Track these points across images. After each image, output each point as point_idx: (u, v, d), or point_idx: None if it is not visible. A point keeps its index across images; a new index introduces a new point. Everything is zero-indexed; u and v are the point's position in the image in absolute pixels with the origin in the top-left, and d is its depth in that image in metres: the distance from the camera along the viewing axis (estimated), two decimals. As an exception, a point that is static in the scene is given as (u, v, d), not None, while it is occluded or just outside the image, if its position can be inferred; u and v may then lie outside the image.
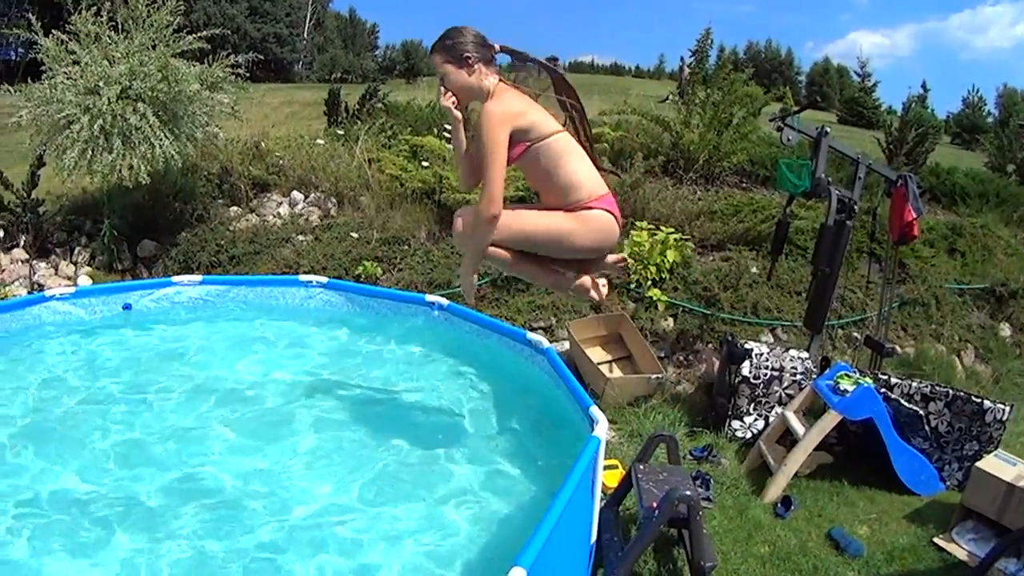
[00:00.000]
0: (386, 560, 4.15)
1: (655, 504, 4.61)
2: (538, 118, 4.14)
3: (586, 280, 4.55)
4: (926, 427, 6.51)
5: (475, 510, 4.56)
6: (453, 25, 4.22)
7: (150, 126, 8.81)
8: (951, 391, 6.52)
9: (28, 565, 4.01)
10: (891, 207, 7.27)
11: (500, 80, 4.23)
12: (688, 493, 4.50)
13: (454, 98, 4.30)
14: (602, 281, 4.64)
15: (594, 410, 4.68)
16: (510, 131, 4.03)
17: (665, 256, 8.71)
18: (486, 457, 4.91)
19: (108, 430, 5.24)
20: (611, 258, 4.61)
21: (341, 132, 12.27)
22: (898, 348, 8.36)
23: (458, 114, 4.38)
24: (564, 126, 4.36)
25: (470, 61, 4.12)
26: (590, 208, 4.23)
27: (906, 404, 6.48)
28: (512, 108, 4.06)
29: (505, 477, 4.92)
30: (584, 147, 4.39)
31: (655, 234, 8.87)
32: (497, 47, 4.25)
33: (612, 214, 4.29)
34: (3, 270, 9.57)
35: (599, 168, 4.36)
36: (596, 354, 7.95)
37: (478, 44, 4.14)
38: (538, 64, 4.37)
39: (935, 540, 5.58)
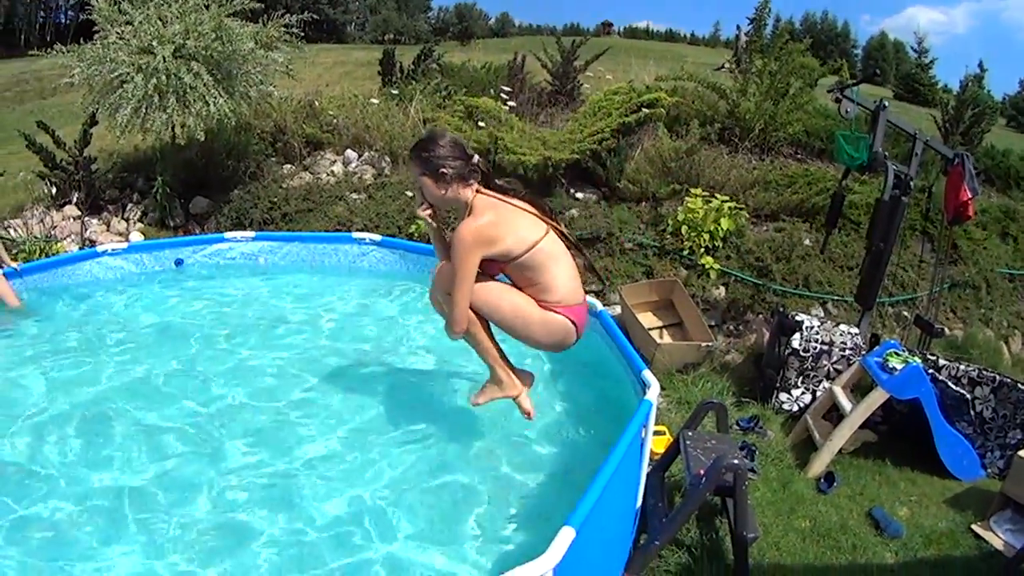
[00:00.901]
0: (435, 511, 4.17)
1: (702, 471, 4.60)
2: (511, 242, 4.18)
3: (523, 394, 4.70)
4: (971, 411, 6.43)
5: (525, 470, 4.64)
6: (432, 131, 4.27)
7: (204, 85, 8.88)
8: (998, 377, 6.42)
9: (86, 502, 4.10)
10: (946, 186, 7.17)
11: (479, 191, 4.25)
12: (735, 462, 4.48)
13: (430, 210, 4.40)
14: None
15: (647, 374, 4.69)
16: (481, 256, 4.11)
17: (719, 224, 8.67)
18: (537, 419, 4.90)
19: (159, 383, 5.31)
20: (526, 405, 4.71)
21: (396, 92, 12.25)
22: (947, 330, 8.23)
23: (434, 224, 4.48)
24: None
25: (446, 177, 4.15)
26: (556, 313, 4.35)
27: (953, 387, 6.41)
28: (485, 235, 4.10)
29: (555, 438, 4.97)
30: (569, 244, 4.48)
31: (709, 201, 8.82)
32: (475, 160, 4.26)
33: (575, 324, 4.43)
34: (55, 227, 9.67)
35: (588, 267, 4.39)
36: (647, 319, 7.96)
37: (455, 158, 4.16)
38: (507, 190, 4.40)
39: (973, 527, 5.54)
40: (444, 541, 3.99)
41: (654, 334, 7.73)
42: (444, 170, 4.13)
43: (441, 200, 4.30)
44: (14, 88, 19.98)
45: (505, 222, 4.19)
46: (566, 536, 3.15)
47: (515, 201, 4.37)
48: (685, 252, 8.71)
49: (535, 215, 4.37)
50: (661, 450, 5.62)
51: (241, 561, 3.78)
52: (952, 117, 12.01)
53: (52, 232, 9.54)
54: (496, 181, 4.43)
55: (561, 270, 4.34)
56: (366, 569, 3.78)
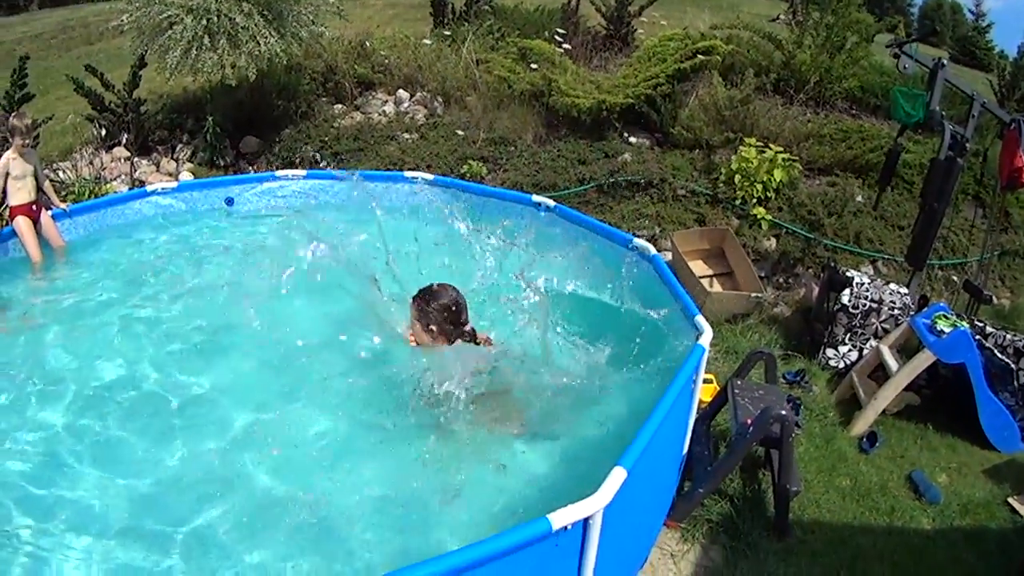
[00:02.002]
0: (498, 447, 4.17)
1: (750, 421, 4.61)
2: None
3: None
4: (1015, 382, 6.35)
5: (576, 410, 4.58)
6: (437, 289, 4.51)
7: (255, 24, 8.87)
8: (1046, 350, 6.33)
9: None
10: (1002, 150, 7.03)
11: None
12: (783, 413, 4.50)
13: (413, 338, 4.67)
14: None
15: (699, 319, 4.69)
16: None
17: (772, 175, 8.60)
18: (588, 359, 4.90)
19: (209, 319, 5.35)
20: None
21: (448, 33, 12.17)
22: (995, 298, 8.11)
23: (413, 345, 4.70)
24: None
25: (432, 331, 4.49)
26: None
27: (999, 356, 6.34)
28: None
29: (605, 380, 4.91)
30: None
31: (763, 151, 8.75)
32: (467, 328, 4.58)
33: None
34: (104, 168, 9.74)
35: None
36: (697, 267, 7.95)
37: (445, 320, 4.47)
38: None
39: (1009, 500, 5.54)
40: (492, 480, 4.04)
41: (704, 282, 7.71)
42: (431, 326, 4.48)
43: (422, 341, 4.60)
44: (60, 36, 19.97)
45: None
46: (618, 476, 3.17)
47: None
48: (737, 201, 8.67)
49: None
50: (708, 399, 5.62)
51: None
52: (1008, 83, 11.72)
53: (101, 173, 9.60)
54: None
55: None
56: (422, 502, 3.88)
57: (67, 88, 10.39)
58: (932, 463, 5.86)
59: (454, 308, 4.46)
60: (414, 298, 4.53)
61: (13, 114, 6.62)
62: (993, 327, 6.49)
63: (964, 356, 5.95)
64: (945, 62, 6.90)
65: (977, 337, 6.17)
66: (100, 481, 4.06)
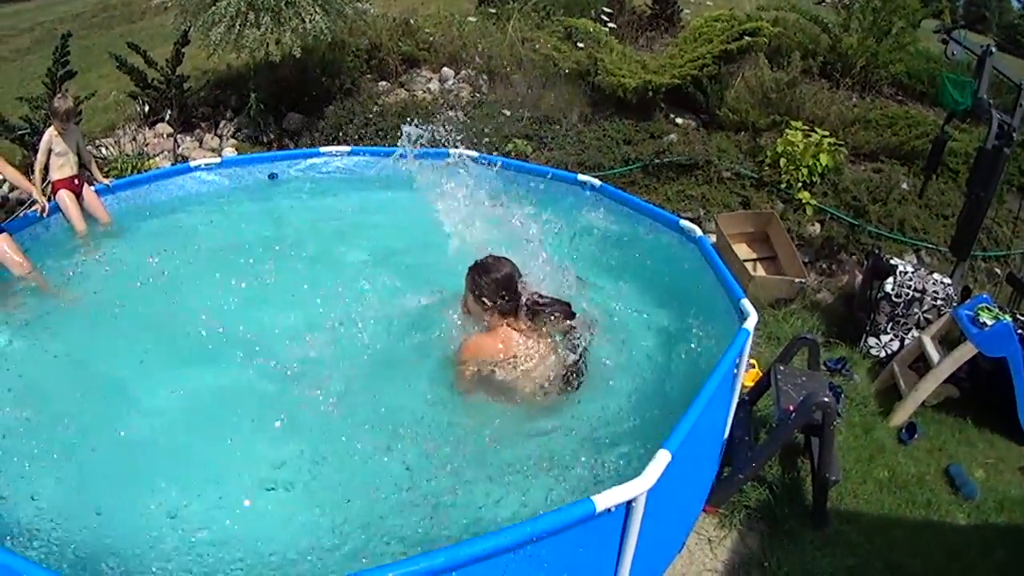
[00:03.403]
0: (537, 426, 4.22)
1: (792, 407, 4.59)
2: (502, 374, 4.46)
3: None
4: (1056, 379, 6.24)
5: (619, 391, 4.57)
6: (492, 262, 4.49)
7: (299, 1, 8.87)
8: (1086, 347, 6.22)
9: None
10: (1049, 142, 6.89)
11: (506, 324, 4.50)
12: (826, 400, 4.47)
13: (466, 308, 4.68)
14: None
15: (745, 302, 4.67)
16: (474, 366, 4.48)
17: (818, 159, 8.56)
18: (631, 340, 4.90)
19: (250, 295, 5.38)
20: None
21: (493, 11, 12.15)
22: (1037, 292, 8.01)
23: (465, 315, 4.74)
24: None
25: (485, 304, 4.46)
26: None
27: (1041, 350, 6.20)
28: (485, 353, 4.46)
29: (647, 362, 4.99)
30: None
31: (809, 135, 8.70)
32: (523, 299, 4.51)
33: None
34: (147, 144, 9.82)
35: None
36: (741, 251, 7.94)
37: (499, 291, 4.44)
38: (558, 311, 4.55)
39: None
40: (537, 463, 4.04)
41: (747, 266, 7.69)
42: (484, 298, 4.46)
43: (473, 314, 4.63)
44: (101, 15, 20.07)
45: (507, 355, 4.48)
46: (662, 459, 3.17)
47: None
48: (783, 185, 8.64)
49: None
50: (750, 384, 5.60)
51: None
52: (1055, 72, 11.54)
53: (144, 149, 9.68)
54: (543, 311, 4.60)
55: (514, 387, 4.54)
56: (471, 485, 3.89)
57: (109, 66, 10.43)
58: (969, 457, 5.83)
59: (507, 282, 4.45)
60: (469, 269, 4.53)
61: (57, 96, 6.70)
62: (1035, 322, 6.41)
63: (1006, 350, 5.89)
64: (994, 49, 6.80)
65: (1019, 331, 6.09)
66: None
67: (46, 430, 4.12)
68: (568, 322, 4.57)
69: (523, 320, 4.50)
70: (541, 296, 4.56)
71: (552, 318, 4.53)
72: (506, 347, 4.44)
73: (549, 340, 4.55)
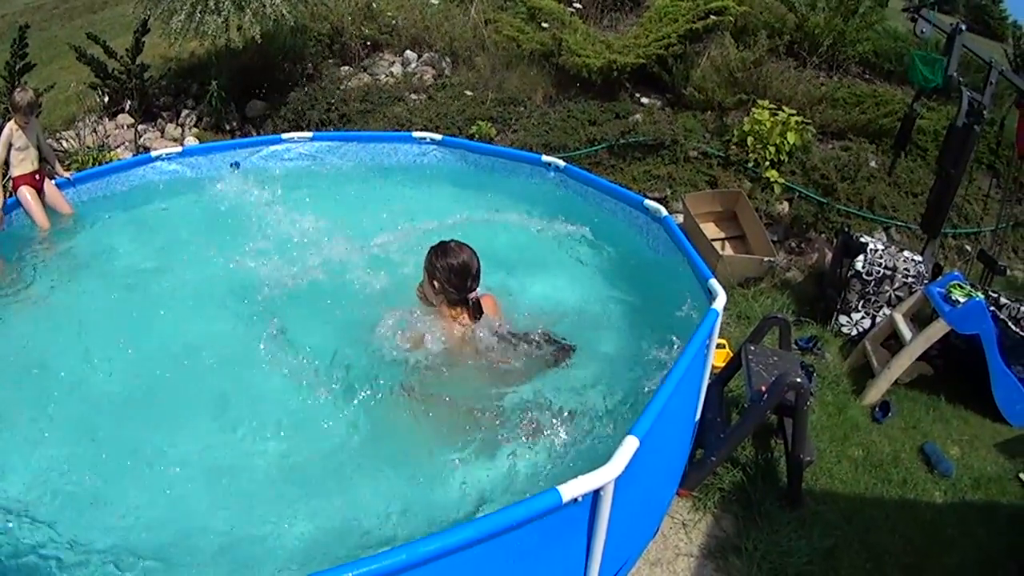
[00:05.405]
0: (507, 413, 4.15)
1: (764, 388, 4.51)
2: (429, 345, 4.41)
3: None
4: (1030, 355, 6.23)
5: (585, 375, 4.50)
6: (452, 246, 4.39)
7: (260, -15, 8.71)
8: (1060, 323, 6.22)
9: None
10: (1019, 120, 6.92)
11: (450, 316, 4.48)
12: (799, 380, 4.41)
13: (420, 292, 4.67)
14: None
15: (713, 283, 4.61)
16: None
17: (785, 138, 8.50)
18: (597, 324, 4.83)
19: (216, 284, 5.31)
20: None
21: (456, -8, 11.98)
22: (1008, 269, 8.01)
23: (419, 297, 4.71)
24: None
25: (435, 287, 4.43)
26: None
27: (1013, 328, 6.20)
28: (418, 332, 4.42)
29: (614, 345, 4.87)
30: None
31: (776, 114, 8.65)
32: (473, 297, 4.47)
33: None
34: (108, 136, 9.68)
35: None
36: (709, 230, 7.87)
37: (451, 280, 4.37)
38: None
39: (1021, 476, 5.49)
40: (503, 451, 3.96)
41: (716, 245, 7.62)
42: (436, 281, 4.40)
43: (426, 294, 4.58)
44: (62, 5, 19.78)
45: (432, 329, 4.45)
46: (630, 446, 3.08)
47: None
48: (750, 164, 8.58)
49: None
50: (721, 364, 5.55)
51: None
52: (1022, 53, 11.57)
53: (105, 141, 9.53)
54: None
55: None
56: (443, 474, 3.85)
57: (70, 58, 10.30)
58: (944, 435, 5.81)
59: (462, 271, 4.34)
60: (430, 249, 4.44)
61: (16, 89, 6.54)
62: (1008, 298, 6.35)
63: (979, 327, 5.86)
64: (963, 27, 6.77)
65: (991, 308, 6.07)
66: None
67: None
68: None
69: (467, 317, 4.46)
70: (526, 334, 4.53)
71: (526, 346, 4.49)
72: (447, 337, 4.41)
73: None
